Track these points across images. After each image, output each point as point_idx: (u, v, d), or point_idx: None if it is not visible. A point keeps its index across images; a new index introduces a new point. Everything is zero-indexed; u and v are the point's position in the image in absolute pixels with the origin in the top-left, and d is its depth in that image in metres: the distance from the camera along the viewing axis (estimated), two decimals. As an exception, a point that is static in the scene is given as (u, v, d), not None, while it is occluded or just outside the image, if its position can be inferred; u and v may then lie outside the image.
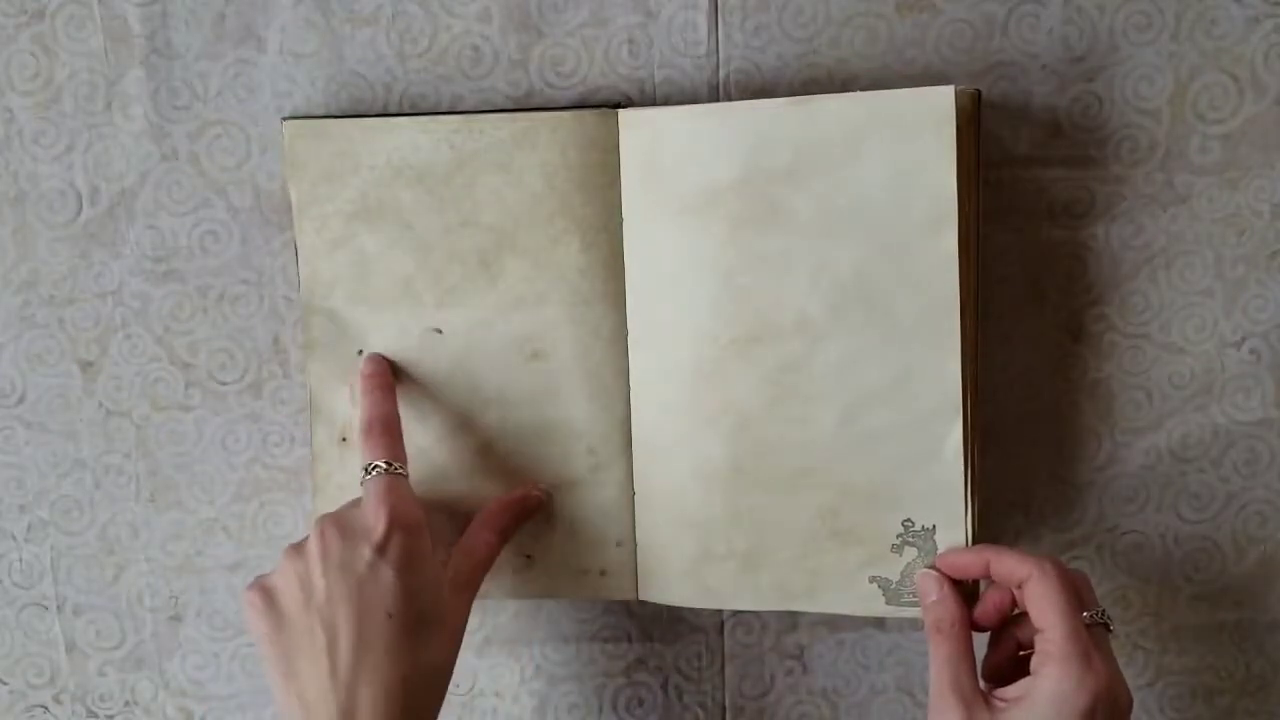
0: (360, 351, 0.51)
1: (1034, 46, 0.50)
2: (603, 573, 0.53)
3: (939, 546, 0.49)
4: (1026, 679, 0.44)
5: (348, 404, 0.52)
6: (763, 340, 0.49)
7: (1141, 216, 0.52)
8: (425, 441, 0.52)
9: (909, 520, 0.49)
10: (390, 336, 0.51)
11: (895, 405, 0.48)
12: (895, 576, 0.49)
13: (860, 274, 0.47)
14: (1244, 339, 0.53)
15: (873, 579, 0.50)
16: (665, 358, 0.50)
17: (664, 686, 0.57)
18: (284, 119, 0.50)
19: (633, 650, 0.56)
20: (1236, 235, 0.52)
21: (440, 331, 0.51)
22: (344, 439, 0.52)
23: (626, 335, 0.51)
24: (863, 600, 0.50)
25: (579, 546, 0.53)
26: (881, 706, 0.57)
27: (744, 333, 0.49)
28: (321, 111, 0.51)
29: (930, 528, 0.49)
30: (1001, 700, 0.44)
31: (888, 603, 0.50)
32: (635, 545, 0.52)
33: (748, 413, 0.49)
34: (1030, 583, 0.45)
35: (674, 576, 0.52)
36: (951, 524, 0.48)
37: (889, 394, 0.48)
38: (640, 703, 0.57)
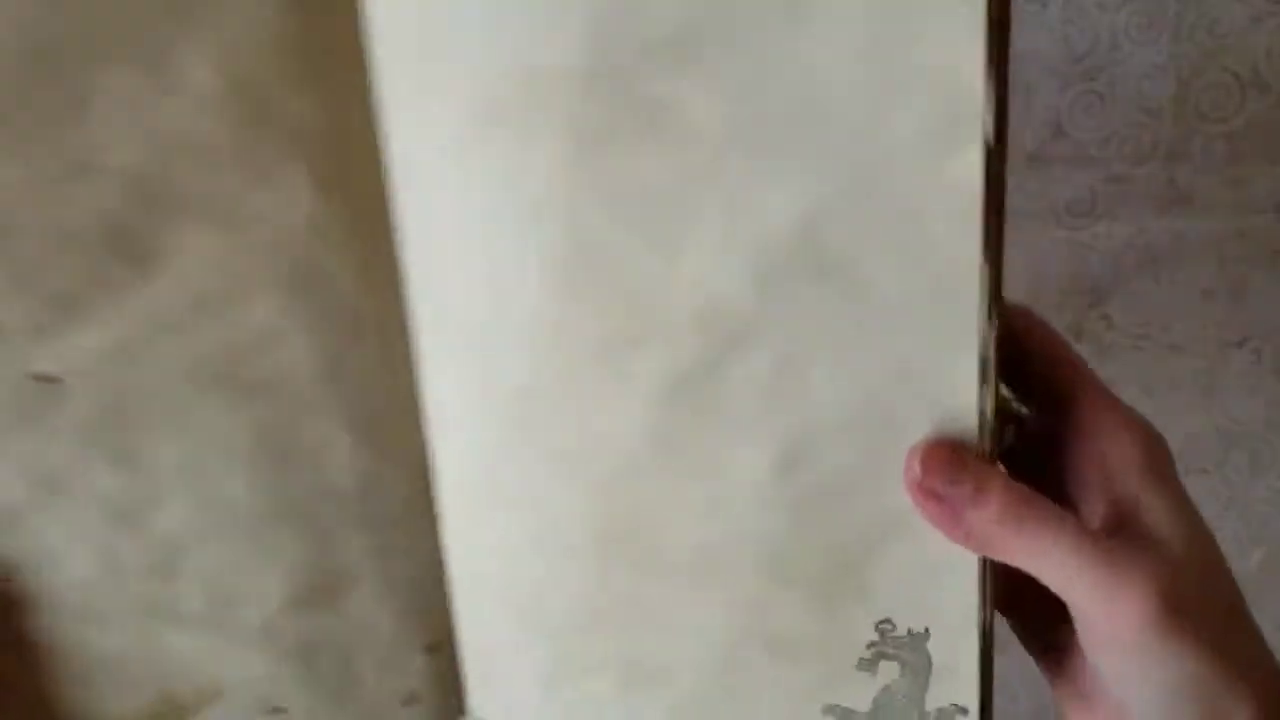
0: None
1: (1035, 45, 0.50)
2: (411, 699, 0.34)
3: (934, 661, 0.32)
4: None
5: None
6: (641, 340, 0.29)
7: (1143, 216, 0.52)
8: (46, 563, 0.31)
9: (887, 622, 0.31)
10: None
11: (866, 440, 0.30)
12: (865, 707, 0.32)
13: (808, 224, 0.28)
14: (1245, 339, 0.52)
15: (829, 710, 0.32)
16: (476, 367, 0.31)
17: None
18: None
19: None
20: (1238, 235, 0.52)
21: (55, 380, 0.29)
22: None
23: (408, 335, 0.31)
24: None
25: (364, 671, 0.34)
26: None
27: (608, 327, 0.29)
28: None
29: (922, 632, 0.31)
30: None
31: None
32: (457, 650, 0.34)
33: (620, 454, 0.31)
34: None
35: (520, 693, 0.34)
36: (955, 624, 0.31)
37: (856, 423, 0.30)
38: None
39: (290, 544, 0.32)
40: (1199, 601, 0.28)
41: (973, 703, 0.32)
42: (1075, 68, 0.50)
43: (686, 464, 0.31)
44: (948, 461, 0.29)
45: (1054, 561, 0.28)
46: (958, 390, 0.29)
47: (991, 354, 0.29)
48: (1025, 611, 0.33)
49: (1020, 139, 0.51)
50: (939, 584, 0.31)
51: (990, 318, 0.29)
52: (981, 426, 0.29)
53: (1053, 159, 0.51)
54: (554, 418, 0.31)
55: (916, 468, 0.29)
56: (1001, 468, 0.30)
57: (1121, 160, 0.51)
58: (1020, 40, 0.50)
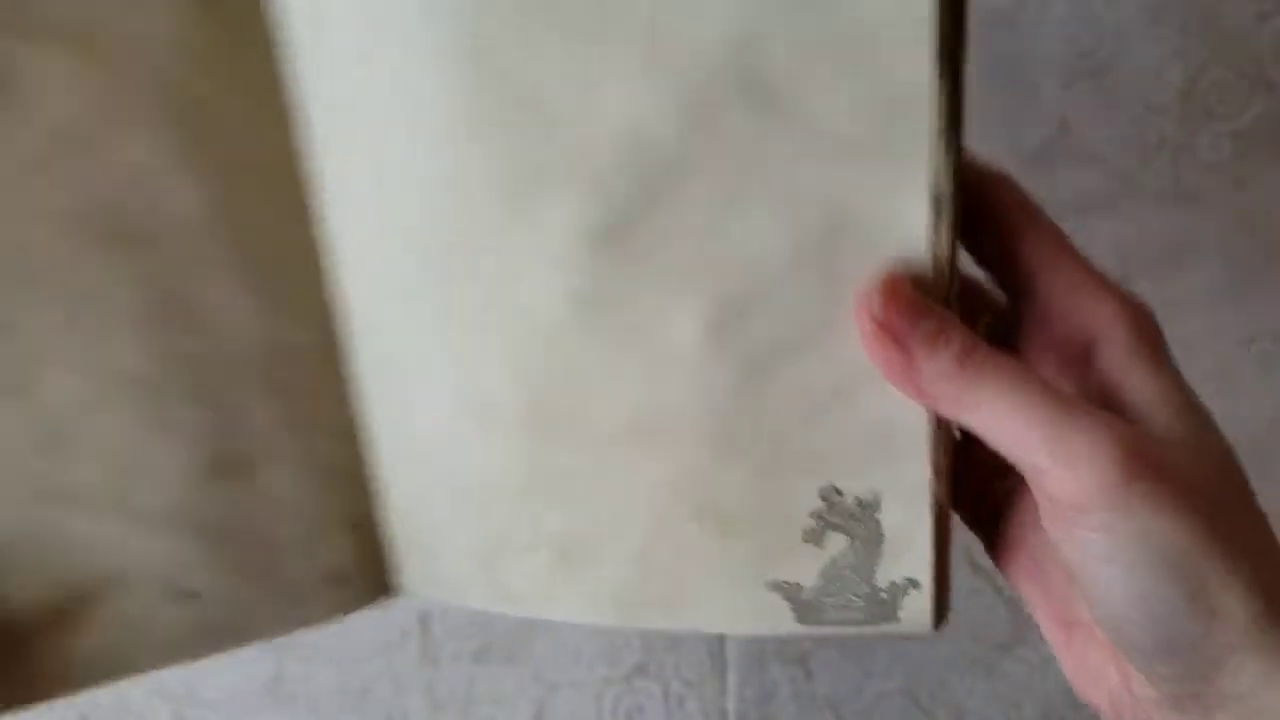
0: None
1: (1040, 41, 0.50)
2: (337, 579, 0.32)
3: (885, 532, 0.29)
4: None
5: None
6: (554, 183, 0.26)
7: (1149, 214, 0.51)
8: None
9: (834, 490, 0.29)
10: None
11: (807, 292, 0.27)
12: (811, 581, 0.30)
13: (741, 45, 0.24)
14: (1253, 339, 0.52)
15: (774, 585, 0.31)
16: (380, 217, 0.28)
17: (665, 694, 0.56)
18: None
19: (632, 656, 0.56)
20: (1246, 234, 0.51)
21: None
22: None
23: (305, 180, 0.28)
24: (759, 616, 0.31)
25: (283, 550, 0.31)
26: (887, 714, 0.56)
27: (516, 169, 0.26)
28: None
29: (872, 500, 0.29)
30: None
31: (800, 620, 0.31)
32: (383, 526, 0.32)
33: (541, 316, 0.28)
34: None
35: (453, 571, 0.33)
36: (907, 492, 0.29)
37: (796, 273, 0.27)
38: (641, 710, 0.56)
39: (190, 414, 0.28)
40: (1186, 471, 0.25)
41: (925, 576, 0.30)
42: (1081, 64, 0.50)
43: (612, 325, 0.28)
44: (909, 298, 0.25)
45: (1012, 416, 0.25)
46: (910, 231, 0.26)
47: (948, 188, 0.25)
48: (974, 484, 0.30)
49: (1024, 136, 0.50)
50: (889, 449, 0.28)
51: (946, 146, 0.25)
52: (938, 270, 0.26)
53: (1057, 156, 0.50)
54: (465, 273, 0.28)
55: (875, 303, 0.25)
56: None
57: (1127, 158, 0.51)
58: (1025, 36, 0.50)
